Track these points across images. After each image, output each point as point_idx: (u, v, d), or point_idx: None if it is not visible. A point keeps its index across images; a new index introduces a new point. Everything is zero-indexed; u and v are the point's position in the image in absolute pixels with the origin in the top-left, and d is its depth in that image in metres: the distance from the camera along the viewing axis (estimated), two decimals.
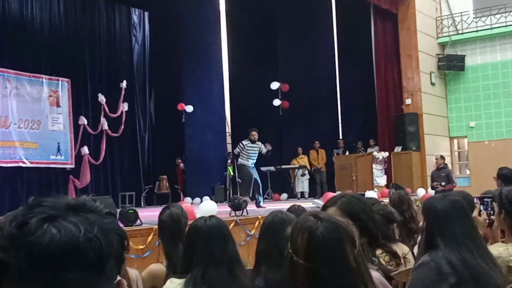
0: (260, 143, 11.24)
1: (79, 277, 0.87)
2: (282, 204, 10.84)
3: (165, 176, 15.33)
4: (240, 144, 11.23)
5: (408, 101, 16.74)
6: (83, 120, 13.66)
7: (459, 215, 2.48)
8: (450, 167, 17.68)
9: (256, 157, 11.25)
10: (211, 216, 2.80)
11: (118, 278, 0.95)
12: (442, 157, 12.65)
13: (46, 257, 0.85)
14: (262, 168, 15.23)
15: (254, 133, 11.22)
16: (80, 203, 0.93)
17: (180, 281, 2.64)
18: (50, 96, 13.91)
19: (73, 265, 0.86)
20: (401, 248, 3.68)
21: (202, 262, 2.57)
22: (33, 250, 0.85)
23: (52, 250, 0.85)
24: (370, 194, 10.31)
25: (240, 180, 11.93)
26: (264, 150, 11.26)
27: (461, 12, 17.98)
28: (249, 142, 11.13)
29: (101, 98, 13.68)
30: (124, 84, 14.11)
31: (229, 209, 8.35)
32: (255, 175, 11.20)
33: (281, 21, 16.96)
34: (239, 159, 11.25)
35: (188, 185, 15.48)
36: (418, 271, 2.45)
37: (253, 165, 11.24)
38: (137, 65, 16.66)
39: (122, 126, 14.14)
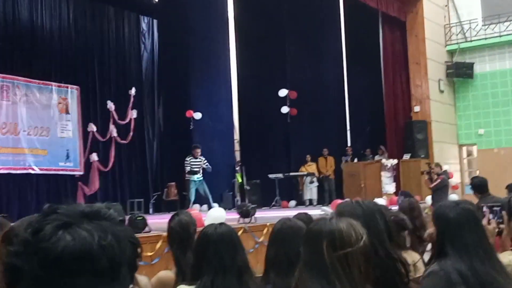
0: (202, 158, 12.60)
1: (92, 284, 0.88)
2: (290, 212, 10.87)
3: (173, 183, 15.33)
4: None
5: (416, 109, 16.73)
6: (92, 127, 13.71)
7: (470, 224, 2.46)
8: (459, 175, 17.63)
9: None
10: (221, 224, 2.80)
11: (131, 286, 0.95)
12: (437, 165, 12.54)
13: (60, 263, 0.86)
14: (270, 176, 15.23)
15: (198, 150, 12.56)
16: (94, 210, 0.94)
17: None
18: (59, 103, 13.97)
19: (87, 271, 0.87)
20: (411, 256, 3.67)
21: (211, 270, 2.57)
22: (47, 256, 0.86)
23: (66, 257, 0.86)
24: (378, 201, 10.27)
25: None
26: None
27: (469, 20, 17.97)
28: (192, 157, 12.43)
29: (110, 105, 13.73)
30: (133, 91, 14.16)
31: (237, 216, 8.35)
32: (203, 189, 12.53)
33: (289, 29, 16.98)
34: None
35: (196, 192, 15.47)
36: (427, 280, 2.44)
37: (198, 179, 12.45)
38: (145, 73, 16.71)
39: (131, 133, 14.18)
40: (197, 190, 13.05)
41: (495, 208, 3.18)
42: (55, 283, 0.86)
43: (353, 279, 1.64)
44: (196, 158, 12.28)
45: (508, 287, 2.35)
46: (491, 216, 3.15)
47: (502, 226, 3.10)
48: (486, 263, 2.36)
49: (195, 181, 12.23)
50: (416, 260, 3.63)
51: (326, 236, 1.68)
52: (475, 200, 6.23)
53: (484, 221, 2.99)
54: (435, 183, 11.63)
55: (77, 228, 0.89)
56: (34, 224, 0.90)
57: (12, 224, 2.50)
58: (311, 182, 15.84)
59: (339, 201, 11.04)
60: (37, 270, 0.86)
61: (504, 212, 3.07)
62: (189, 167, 12.23)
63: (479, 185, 6.89)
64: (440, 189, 11.60)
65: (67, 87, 14.19)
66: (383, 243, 2.03)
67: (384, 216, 2.16)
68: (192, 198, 12.37)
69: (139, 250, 0.97)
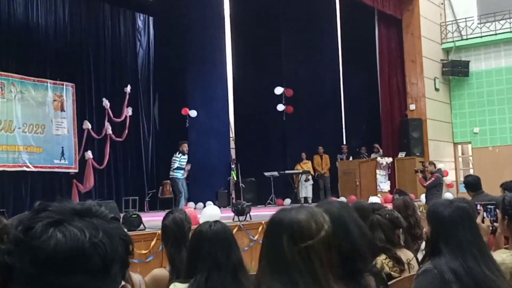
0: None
1: (84, 282, 0.87)
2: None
3: (168, 181, 15.32)
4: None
5: (412, 107, 16.75)
6: (87, 125, 13.70)
7: (464, 222, 2.47)
8: (454, 173, 17.67)
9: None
10: (216, 221, 2.80)
11: (123, 283, 0.95)
12: (430, 163, 12.56)
13: (51, 261, 0.86)
14: (266, 173, 15.23)
15: (186, 145, 12.44)
16: (85, 208, 0.94)
17: (184, 286, 2.65)
18: (54, 100, 13.94)
19: (78, 269, 0.87)
20: (405, 254, 3.68)
21: (206, 267, 2.57)
22: (39, 254, 0.86)
23: (58, 255, 0.86)
24: (373, 199, 10.29)
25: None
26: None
27: (465, 18, 18.00)
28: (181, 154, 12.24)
29: (106, 103, 13.72)
30: (128, 88, 14.15)
31: (232, 214, 8.35)
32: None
33: (285, 26, 16.97)
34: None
35: (191, 190, 15.46)
36: (421, 278, 2.45)
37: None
38: (141, 70, 16.69)
39: (126, 131, 14.17)
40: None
41: (489, 207, 3.19)
42: (47, 280, 0.86)
43: (315, 272, 1.59)
44: (184, 155, 12.27)
45: (501, 285, 2.36)
46: (485, 214, 3.16)
47: (496, 224, 3.11)
48: (480, 261, 2.37)
49: (180, 178, 12.24)
50: (410, 258, 3.64)
51: (285, 229, 1.63)
52: (469, 198, 6.25)
53: (478, 220, 2.99)
54: (429, 181, 11.65)
55: (68, 226, 0.88)
56: (25, 222, 0.89)
57: (6, 221, 2.50)
58: (307, 180, 15.85)
59: (334, 199, 11.07)
60: (29, 268, 0.86)
61: (498, 211, 3.08)
62: (178, 163, 12.19)
63: (472, 183, 6.92)
64: (434, 187, 11.62)
65: (63, 85, 14.16)
66: (349, 235, 2.08)
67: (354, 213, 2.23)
68: (185, 193, 12.32)
69: (131, 247, 0.96)
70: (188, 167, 12.75)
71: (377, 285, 2.54)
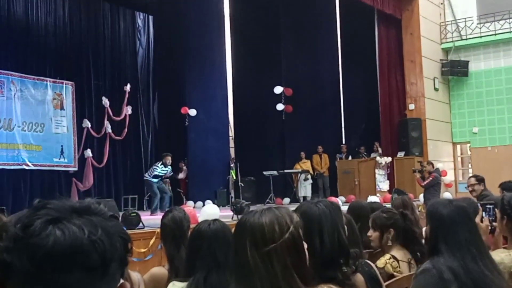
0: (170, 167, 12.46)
1: (82, 279, 0.88)
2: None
3: (167, 180, 15.32)
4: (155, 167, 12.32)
5: (411, 107, 16.76)
6: (87, 123, 13.69)
7: (464, 221, 2.47)
8: (453, 173, 17.68)
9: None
10: (215, 220, 2.80)
11: (121, 281, 0.95)
12: (428, 163, 12.56)
13: (50, 258, 0.86)
14: (265, 172, 15.23)
15: (170, 158, 12.35)
16: (84, 205, 0.94)
17: (182, 285, 2.65)
18: (54, 99, 13.94)
19: (77, 267, 0.87)
20: (405, 254, 3.68)
21: (205, 266, 2.57)
22: (37, 251, 0.86)
23: (56, 252, 0.86)
24: (372, 199, 10.30)
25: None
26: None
27: (465, 18, 18.00)
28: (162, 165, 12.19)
29: (105, 101, 13.69)
30: (128, 87, 14.13)
31: (231, 213, 8.36)
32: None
33: (285, 26, 16.96)
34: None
35: (190, 189, 15.46)
36: (419, 277, 2.45)
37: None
38: (141, 69, 16.69)
39: (126, 130, 14.14)
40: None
41: (488, 206, 3.19)
42: (46, 278, 0.86)
43: (276, 278, 1.55)
44: (166, 166, 12.24)
45: (499, 284, 2.36)
46: (484, 214, 3.16)
47: (495, 224, 3.11)
48: (478, 260, 2.37)
49: (155, 182, 12.22)
50: (410, 258, 3.65)
51: (248, 234, 1.60)
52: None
53: (477, 219, 3.00)
54: (427, 181, 11.65)
55: (67, 223, 0.88)
56: (24, 219, 0.89)
57: (6, 218, 2.50)
58: (306, 179, 15.84)
59: (333, 198, 11.08)
60: (27, 265, 0.86)
61: (497, 210, 3.08)
62: (157, 172, 12.13)
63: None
64: (432, 187, 11.62)
65: (62, 83, 14.16)
66: (322, 237, 2.13)
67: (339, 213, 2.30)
68: (157, 198, 12.23)
69: (129, 245, 0.97)
70: (167, 181, 12.84)
71: (369, 284, 2.56)
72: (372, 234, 3.76)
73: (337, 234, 2.17)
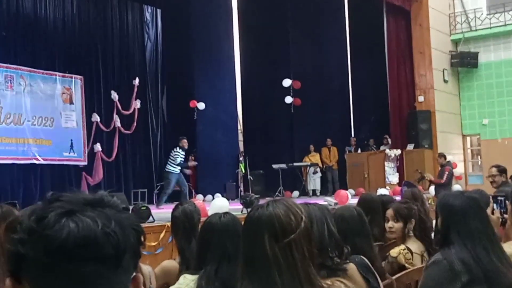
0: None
1: (96, 270, 0.88)
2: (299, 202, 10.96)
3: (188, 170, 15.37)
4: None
5: (420, 99, 16.68)
6: (96, 117, 13.72)
7: (475, 212, 2.47)
8: (463, 165, 17.61)
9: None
10: (226, 213, 2.81)
11: (135, 273, 0.96)
12: (441, 155, 12.51)
13: (64, 250, 0.86)
14: (274, 166, 15.24)
15: (185, 141, 12.25)
16: (97, 198, 0.94)
17: (193, 277, 2.65)
18: (63, 93, 13.98)
19: (91, 258, 0.88)
20: (419, 246, 3.68)
21: (215, 259, 2.58)
22: (52, 243, 0.86)
23: (70, 244, 0.87)
24: (382, 191, 10.28)
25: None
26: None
27: (474, 9, 17.87)
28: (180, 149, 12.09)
29: (114, 95, 13.72)
30: (136, 81, 14.15)
31: (241, 206, 8.37)
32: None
33: (293, 18, 16.93)
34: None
35: (199, 182, 15.50)
36: (430, 269, 2.45)
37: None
38: (149, 63, 16.69)
39: (135, 123, 14.17)
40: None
41: (499, 198, 3.18)
42: (60, 270, 0.87)
43: (295, 268, 1.57)
44: (184, 150, 12.21)
45: (510, 275, 2.36)
46: (495, 206, 3.15)
47: (506, 216, 3.10)
48: (490, 251, 2.37)
49: (177, 173, 12.16)
50: (423, 250, 3.65)
51: (266, 227, 1.59)
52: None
53: (488, 211, 2.99)
54: (445, 177, 11.56)
55: (81, 216, 0.89)
56: (38, 212, 0.90)
57: (18, 212, 2.51)
58: (315, 172, 15.84)
59: (343, 191, 11.07)
60: (42, 257, 0.87)
61: (508, 202, 3.07)
62: (179, 159, 12.08)
63: None
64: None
65: (71, 77, 14.20)
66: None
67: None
68: (170, 191, 12.21)
69: (142, 237, 0.97)
70: (194, 163, 12.71)
71: (361, 271, 2.56)
72: (394, 225, 3.76)
73: (326, 226, 2.32)
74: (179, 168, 12.08)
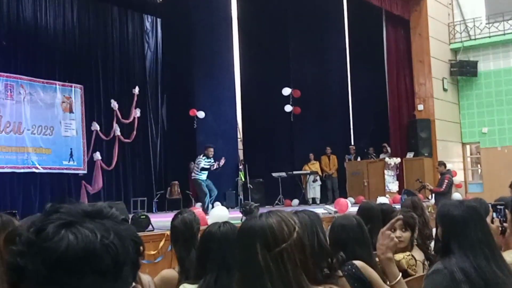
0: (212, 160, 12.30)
1: (95, 282, 0.88)
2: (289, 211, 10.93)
3: (176, 182, 15.35)
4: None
5: (420, 107, 16.70)
6: (96, 126, 13.73)
7: (476, 221, 2.47)
8: (462, 173, 17.61)
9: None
10: (225, 222, 2.81)
11: (133, 284, 0.96)
12: (441, 164, 12.51)
13: (63, 262, 0.86)
14: (274, 174, 15.23)
15: (211, 149, 12.27)
16: (96, 209, 0.94)
17: (193, 287, 2.65)
18: (63, 102, 14.00)
19: (90, 270, 0.88)
20: (420, 254, 3.68)
21: (215, 268, 2.58)
22: (51, 255, 0.86)
23: (69, 256, 0.87)
24: (382, 200, 10.27)
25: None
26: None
27: (473, 18, 17.92)
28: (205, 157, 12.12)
29: (114, 104, 13.73)
30: (136, 90, 14.17)
31: (240, 214, 8.35)
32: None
33: (292, 27, 16.97)
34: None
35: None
36: (431, 278, 2.44)
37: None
38: (149, 71, 16.72)
39: (135, 132, 14.18)
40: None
41: (499, 207, 3.17)
42: (59, 282, 0.87)
43: (287, 277, 1.59)
44: (209, 158, 12.21)
45: (511, 285, 2.35)
46: (494, 215, 3.14)
47: (505, 225, 3.10)
48: (490, 260, 2.36)
49: (204, 180, 12.15)
50: (424, 259, 3.64)
51: (258, 236, 1.62)
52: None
53: (488, 220, 2.98)
54: (445, 185, 11.55)
55: (80, 227, 0.89)
56: (37, 224, 0.90)
57: (17, 222, 2.51)
58: (314, 180, 15.84)
59: (342, 199, 11.06)
60: (41, 269, 0.87)
61: (507, 211, 3.07)
62: (203, 164, 12.07)
63: None
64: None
65: (71, 86, 14.22)
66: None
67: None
68: (207, 198, 12.14)
69: (141, 248, 0.97)
70: (223, 161, 12.56)
71: (353, 286, 2.56)
72: (402, 234, 3.73)
73: (316, 238, 2.27)
74: (204, 173, 12.09)
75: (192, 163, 15.47)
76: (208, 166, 12.14)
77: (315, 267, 2.19)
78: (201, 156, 12.22)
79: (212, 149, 12.29)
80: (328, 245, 2.33)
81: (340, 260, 2.47)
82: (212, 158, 12.27)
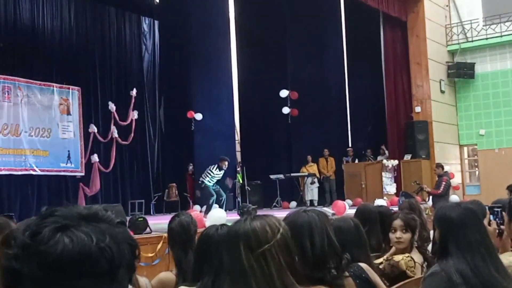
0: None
1: (91, 286, 0.88)
2: (296, 209, 10.92)
3: (174, 184, 15.34)
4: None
5: (417, 109, 16.71)
6: (93, 128, 13.71)
7: (473, 223, 2.47)
8: (460, 175, 17.62)
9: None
10: (223, 225, 2.81)
11: (130, 287, 0.96)
12: (438, 166, 12.51)
13: (58, 266, 0.86)
14: (271, 176, 15.23)
15: (226, 163, 12.19)
16: (92, 212, 0.94)
17: None
18: (60, 104, 13.99)
19: (85, 274, 0.87)
20: (419, 257, 3.68)
21: (212, 271, 2.57)
22: (46, 259, 0.86)
23: (65, 259, 0.86)
24: (379, 202, 10.27)
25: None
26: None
27: (470, 20, 17.95)
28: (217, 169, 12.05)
29: (111, 106, 13.72)
30: (134, 92, 14.16)
31: (238, 217, 8.34)
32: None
33: (290, 29, 16.99)
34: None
35: (197, 193, 15.47)
36: (428, 280, 2.44)
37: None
38: (147, 73, 16.72)
39: (132, 134, 14.17)
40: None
41: (496, 209, 3.17)
42: (54, 285, 0.87)
43: (271, 276, 1.65)
44: (221, 170, 12.15)
45: (508, 287, 2.35)
46: (491, 217, 3.14)
47: (502, 227, 3.10)
48: (488, 262, 2.36)
49: (211, 185, 12.10)
50: (423, 262, 3.64)
51: (242, 238, 1.69)
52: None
53: (485, 222, 2.98)
54: (442, 188, 11.55)
55: (75, 231, 0.89)
56: (32, 227, 0.90)
57: (14, 225, 2.51)
58: (312, 182, 15.83)
59: (340, 202, 11.06)
60: (36, 272, 0.86)
61: (504, 213, 3.07)
62: (210, 177, 12.03)
63: None
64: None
65: (69, 88, 14.22)
66: (314, 243, 2.22)
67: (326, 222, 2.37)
68: (213, 200, 12.08)
69: (137, 251, 0.97)
70: (230, 182, 12.56)
71: (359, 286, 2.56)
72: (402, 235, 3.74)
73: (327, 237, 2.26)
74: (213, 181, 12.05)
75: (191, 164, 15.51)
76: (215, 179, 12.09)
77: (324, 270, 2.21)
78: (215, 167, 12.10)
79: (227, 162, 12.20)
80: (337, 244, 2.31)
81: (345, 262, 2.47)
82: (223, 170, 12.22)
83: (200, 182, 12.35)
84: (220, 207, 11.73)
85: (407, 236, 3.74)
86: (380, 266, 3.53)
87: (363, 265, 2.80)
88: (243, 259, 1.66)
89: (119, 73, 15.62)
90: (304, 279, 1.98)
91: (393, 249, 3.76)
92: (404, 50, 17.01)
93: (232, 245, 1.72)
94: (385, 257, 3.63)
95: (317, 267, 2.19)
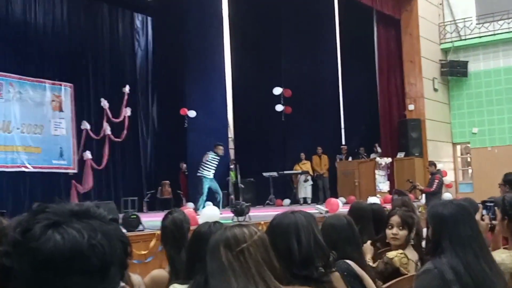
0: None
1: (82, 283, 0.87)
2: (284, 210, 10.90)
3: (167, 181, 15.32)
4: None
5: (411, 107, 16.75)
6: (86, 125, 13.66)
7: (465, 219, 2.47)
8: (453, 173, 17.68)
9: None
10: (215, 222, 2.80)
11: (122, 284, 0.95)
12: (431, 164, 12.55)
13: (50, 263, 0.86)
14: (265, 174, 15.22)
15: (222, 147, 12.16)
16: (83, 209, 0.93)
17: (183, 287, 2.64)
18: (53, 100, 13.94)
19: (77, 270, 0.87)
20: (413, 254, 3.69)
21: (205, 268, 2.56)
22: (37, 256, 0.85)
23: (56, 256, 0.86)
24: (373, 199, 10.28)
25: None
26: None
27: (464, 18, 18.00)
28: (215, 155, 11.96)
29: (104, 103, 13.67)
30: (127, 89, 14.11)
31: (231, 214, 8.35)
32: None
33: (284, 27, 16.98)
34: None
35: (190, 190, 15.45)
36: (421, 278, 2.44)
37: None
38: (140, 70, 16.68)
39: (125, 131, 14.11)
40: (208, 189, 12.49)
41: (488, 204, 3.18)
42: (46, 282, 0.86)
43: (250, 273, 1.79)
44: (219, 156, 12.09)
45: (499, 284, 2.36)
46: (484, 211, 3.15)
47: (494, 222, 3.11)
48: (480, 258, 2.37)
49: (209, 178, 12.00)
50: (417, 259, 3.65)
51: (221, 240, 1.86)
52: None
53: (477, 217, 2.99)
54: (435, 185, 11.58)
55: (67, 227, 0.88)
56: (23, 224, 0.89)
57: (6, 222, 2.49)
58: (306, 180, 15.84)
59: (333, 199, 11.07)
60: (27, 269, 0.86)
61: (497, 209, 3.07)
62: (210, 161, 11.95)
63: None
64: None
65: (61, 85, 14.16)
66: (300, 242, 2.30)
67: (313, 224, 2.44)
68: (205, 197, 12.04)
69: (129, 249, 0.96)
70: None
71: (346, 279, 2.56)
72: (398, 232, 3.75)
73: (313, 237, 2.34)
74: (210, 169, 11.95)
75: (184, 163, 15.48)
76: (215, 163, 12.00)
77: (310, 268, 2.27)
78: (210, 156, 12.02)
79: (222, 148, 12.16)
80: (324, 244, 2.37)
81: (332, 259, 2.48)
82: (220, 156, 12.16)
83: (198, 175, 12.20)
84: (217, 205, 11.67)
85: (403, 233, 3.75)
86: (374, 265, 3.54)
87: (348, 261, 2.81)
88: (223, 258, 1.81)
89: (112, 70, 15.57)
90: (290, 277, 2.14)
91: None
92: (397, 48, 17.04)
93: (213, 247, 1.87)
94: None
95: (304, 265, 2.27)
